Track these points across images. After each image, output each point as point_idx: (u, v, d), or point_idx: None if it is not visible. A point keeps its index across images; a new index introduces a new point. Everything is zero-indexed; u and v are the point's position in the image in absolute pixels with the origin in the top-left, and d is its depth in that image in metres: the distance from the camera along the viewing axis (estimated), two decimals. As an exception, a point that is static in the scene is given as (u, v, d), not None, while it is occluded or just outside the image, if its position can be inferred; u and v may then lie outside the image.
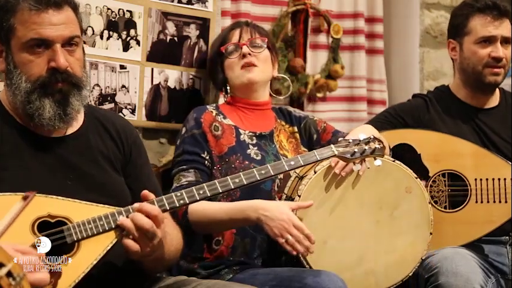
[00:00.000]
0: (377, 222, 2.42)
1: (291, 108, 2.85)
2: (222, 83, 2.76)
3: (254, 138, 2.63)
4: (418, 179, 2.48)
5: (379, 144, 2.29)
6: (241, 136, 2.62)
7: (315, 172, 2.38)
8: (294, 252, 2.30)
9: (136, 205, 1.93)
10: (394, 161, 2.45)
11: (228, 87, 2.75)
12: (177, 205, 1.99)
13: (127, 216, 1.91)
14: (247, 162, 2.53)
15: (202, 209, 2.44)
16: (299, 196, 2.34)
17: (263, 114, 2.72)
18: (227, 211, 2.41)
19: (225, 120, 2.64)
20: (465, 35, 2.99)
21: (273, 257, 2.52)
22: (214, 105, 2.74)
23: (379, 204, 2.43)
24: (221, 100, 3.26)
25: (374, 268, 2.42)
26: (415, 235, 2.47)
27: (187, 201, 2.00)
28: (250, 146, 2.60)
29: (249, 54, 2.68)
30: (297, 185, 2.43)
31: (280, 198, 2.51)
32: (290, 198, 2.42)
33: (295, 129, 2.75)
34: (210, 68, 2.87)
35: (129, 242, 1.90)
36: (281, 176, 2.53)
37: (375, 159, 2.31)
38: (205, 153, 2.57)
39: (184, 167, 2.54)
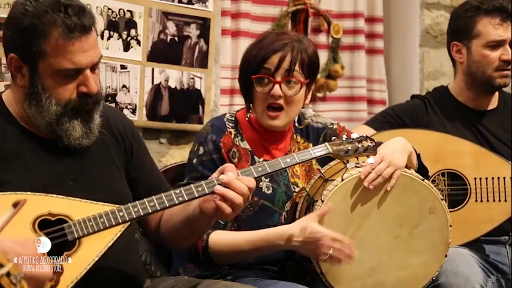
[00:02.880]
0: (395, 237, 2.40)
1: (309, 116, 2.61)
2: (248, 105, 2.48)
3: None
4: (444, 201, 2.46)
5: (371, 142, 2.30)
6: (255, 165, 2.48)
7: (342, 180, 2.33)
8: (338, 263, 2.28)
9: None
10: (423, 180, 2.43)
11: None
12: (176, 202, 2.00)
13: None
14: (256, 199, 2.42)
15: (225, 240, 2.34)
16: (322, 201, 2.31)
17: (281, 135, 2.54)
18: (253, 242, 2.32)
19: (242, 143, 2.48)
20: (473, 38, 2.95)
21: (280, 270, 2.49)
22: (233, 117, 2.51)
23: (400, 221, 2.40)
24: (223, 101, 3.28)
25: (384, 281, 2.40)
26: (430, 255, 2.43)
27: (186, 199, 2.01)
28: (263, 178, 2.46)
29: (279, 96, 2.38)
30: (320, 186, 2.40)
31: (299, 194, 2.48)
32: (312, 199, 2.39)
33: (310, 146, 2.57)
34: (240, 78, 2.51)
35: (224, 205, 1.99)
36: (288, 207, 2.48)
37: (368, 157, 2.32)
38: None
39: None
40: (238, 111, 2.57)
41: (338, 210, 2.34)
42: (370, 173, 2.34)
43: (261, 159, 2.50)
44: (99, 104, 2.08)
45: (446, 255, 2.46)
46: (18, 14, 1.98)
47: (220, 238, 2.33)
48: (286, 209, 2.48)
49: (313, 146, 2.56)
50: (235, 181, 2.00)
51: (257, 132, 2.52)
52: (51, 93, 2.00)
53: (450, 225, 2.45)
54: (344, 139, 2.27)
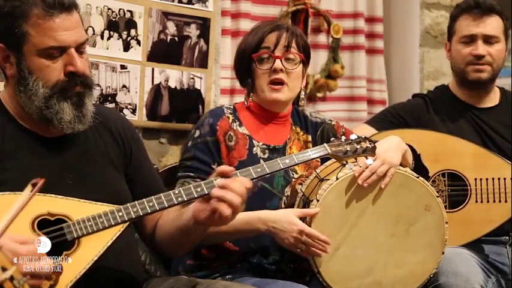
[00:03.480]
0: (392, 235, 2.41)
1: (308, 111, 2.70)
2: (249, 87, 2.57)
3: (267, 151, 2.54)
4: (439, 198, 2.46)
5: (370, 144, 2.30)
6: (254, 148, 2.52)
7: (337, 178, 2.35)
8: (310, 257, 2.32)
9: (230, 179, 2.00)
10: (418, 177, 2.43)
11: (254, 94, 2.55)
12: (175, 202, 2.00)
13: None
14: (255, 180, 2.48)
15: None
16: (317, 200, 2.32)
17: (280, 124, 2.61)
18: (233, 224, 2.28)
19: (240, 128, 2.53)
20: (453, 36, 3.05)
21: (278, 269, 2.51)
22: (232, 107, 2.58)
23: (396, 219, 2.41)
24: (223, 101, 3.28)
25: (382, 280, 2.40)
26: (427, 253, 2.44)
27: (185, 199, 2.01)
28: (261, 161, 2.47)
29: (281, 70, 2.49)
30: (316, 186, 2.41)
31: (294, 194, 2.49)
32: (307, 199, 2.40)
33: (309, 138, 2.63)
34: (237, 67, 2.63)
35: (223, 206, 1.96)
36: (288, 192, 2.51)
37: (367, 158, 2.32)
38: (216, 164, 2.46)
39: (191, 174, 2.46)
40: (236, 103, 2.64)
41: (333, 209, 2.35)
42: (364, 171, 2.35)
43: (260, 143, 2.54)
44: (89, 89, 2.06)
45: (443, 253, 2.47)
46: (0, 2, 2.00)
47: None
48: (286, 194, 2.51)
49: (312, 138, 2.63)
50: (233, 182, 1.99)
51: (257, 118, 2.58)
52: (38, 76, 2.00)
53: (446, 222, 2.45)
54: (343, 140, 2.27)
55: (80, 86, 2.04)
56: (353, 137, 2.30)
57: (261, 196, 2.45)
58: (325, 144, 2.26)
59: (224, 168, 2.03)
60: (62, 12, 1.98)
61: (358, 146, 2.28)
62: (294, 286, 2.31)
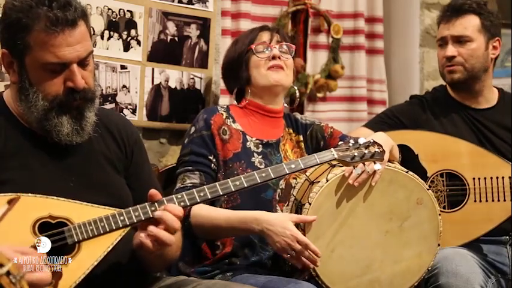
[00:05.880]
0: (386, 232, 2.42)
1: (298, 116, 2.81)
2: (245, 81, 2.67)
3: (260, 146, 2.60)
4: (430, 190, 2.47)
5: (379, 148, 2.29)
6: (248, 143, 2.59)
7: (327, 180, 2.35)
8: (299, 266, 2.31)
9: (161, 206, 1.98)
10: (407, 172, 2.43)
11: (249, 90, 2.68)
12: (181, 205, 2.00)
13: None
14: (249, 171, 2.48)
15: (206, 214, 2.43)
16: (309, 204, 2.32)
17: (274, 122, 2.68)
18: (229, 220, 2.39)
19: (234, 125, 2.60)
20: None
21: (275, 265, 2.52)
22: (225, 106, 2.68)
23: (389, 215, 2.42)
24: (223, 101, 3.29)
25: (380, 277, 2.41)
26: (423, 246, 2.45)
27: (188, 203, 2.02)
28: (255, 154, 2.58)
29: (279, 57, 2.64)
30: (307, 189, 2.41)
31: (285, 202, 2.51)
32: (300, 203, 2.41)
33: (301, 138, 2.72)
34: (230, 66, 2.73)
35: (144, 239, 1.94)
36: (283, 186, 2.54)
37: (375, 163, 2.31)
38: (213, 156, 2.54)
39: (190, 168, 2.52)
40: (230, 105, 2.75)
41: (326, 211, 2.35)
42: (354, 170, 2.36)
43: (254, 138, 2.61)
44: (90, 101, 2.05)
45: (439, 245, 2.48)
46: (7, 9, 1.99)
47: (201, 211, 2.44)
48: (280, 187, 2.56)
49: (303, 138, 2.72)
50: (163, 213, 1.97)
51: (251, 115, 2.66)
52: (38, 88, 1.99)
53: (439, 214, 2.46)
54: (351, 144, 2.26)
55: (80, 101, 2.02)
56: (361, 141, 2.28)
57: (256, 186, 2.47)
58: (332, 149, 2.26)
59: (152, 192, 2.01)
60: (65, 29, 1.95)
61: (366, 151, 2.26)
62: (299, 285, 2.31)
